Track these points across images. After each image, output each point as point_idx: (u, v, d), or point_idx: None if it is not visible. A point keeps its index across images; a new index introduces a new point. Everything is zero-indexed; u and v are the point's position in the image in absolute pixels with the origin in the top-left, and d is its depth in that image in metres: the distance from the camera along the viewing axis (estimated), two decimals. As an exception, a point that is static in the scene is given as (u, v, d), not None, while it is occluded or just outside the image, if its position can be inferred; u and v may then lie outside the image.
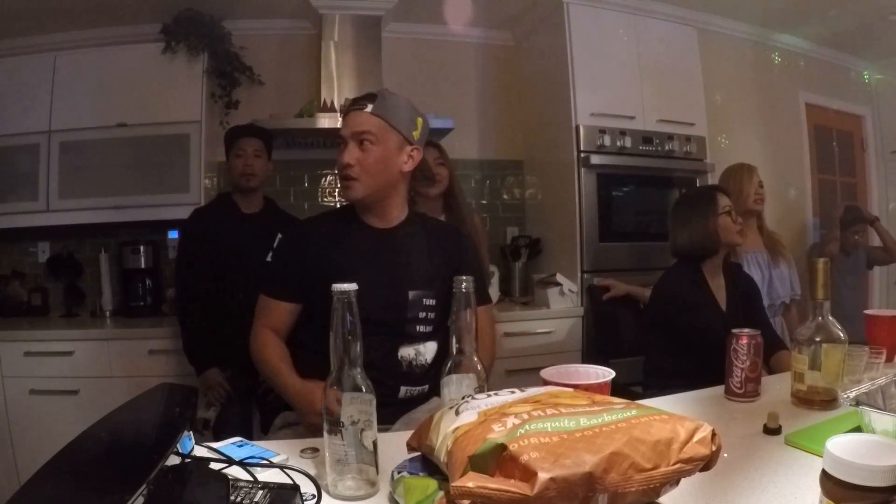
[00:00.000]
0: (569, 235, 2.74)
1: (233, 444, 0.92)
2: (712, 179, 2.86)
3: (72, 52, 2.68)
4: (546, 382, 0.89)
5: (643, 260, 2.75)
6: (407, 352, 1.28)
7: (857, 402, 0.83)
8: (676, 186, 2.88)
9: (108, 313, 2.78)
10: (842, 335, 1.11)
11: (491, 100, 3.27)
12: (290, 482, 0.73)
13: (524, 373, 2.46)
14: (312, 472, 0.80)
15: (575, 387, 0.83)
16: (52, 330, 2.53)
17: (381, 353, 1.24)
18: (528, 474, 0.53)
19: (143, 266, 2.79)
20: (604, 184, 2.72)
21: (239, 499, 0.68)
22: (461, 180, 3.25)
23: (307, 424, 1.21)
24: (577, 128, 2.68)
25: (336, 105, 2.77)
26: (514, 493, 0.52)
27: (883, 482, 0.52)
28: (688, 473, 0.59)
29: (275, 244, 2.06)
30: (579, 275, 2.67)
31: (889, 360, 1.29)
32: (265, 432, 1.44)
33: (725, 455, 0.66)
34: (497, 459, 0.56)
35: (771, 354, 1.68)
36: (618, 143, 2.71)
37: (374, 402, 0.77)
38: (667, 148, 2.81)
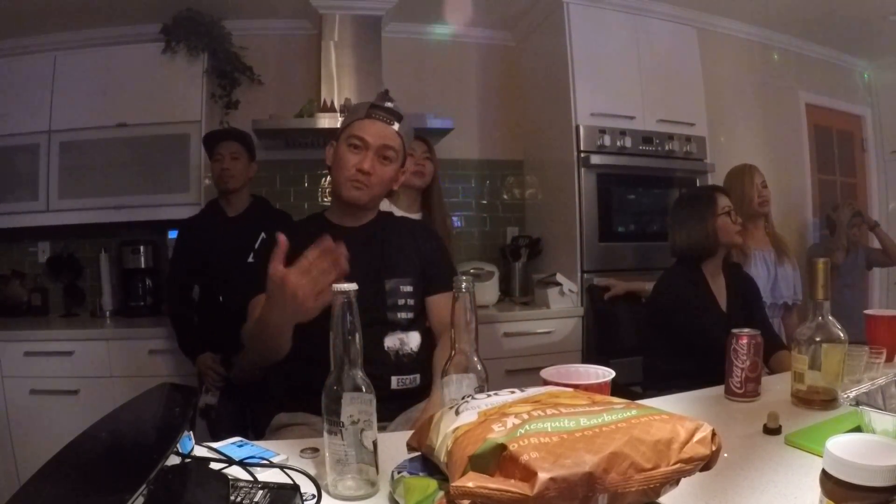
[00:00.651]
0: (569, 235, 2.74)
1: (233, 444, 0.92)
2: (712, 179, 2.86)
3: (72, 52, 2.69)
4: (546, 382, 0.89)
5: (643, 260, 2.76)
6: (392, 341, 1.31)
7: (857, 402, 0.83)
8: (676, 186, 2.88)
9: (108, 313, 2.78)
10: (842, 335, 1.11)
11: (491, 100, 3.27)
12: (290, 482, 0.73)
13: (524, 373, 2.46)
14: (312, 472, 0.80)
15: (575, 387, 0.83)
16: (52, 330, 2.53)
17: (367, 345, 1.24)
18: (528, 474, 0.53)
19: (143, 266, 2.79)
20: (604, 184, 2.72)
21: (239, 499, 0.68)
22: (461, 180, 3.27)
23: (304, 311, 1.05)
24: (577, 128, 2.68)
25: (336, 105, 2.77)
26: (514, 493, 0.52)
27: (883, 482, 0.52)
28: (688, 473, 0.59)
29: (256, 244, 2.09)
30: (579, 275, 2.67)
31: (889, 360, 1.29)
32: (256, 431, 1.44)
33: (725, 455, 0.65)
34: (497, 459, 0.56)
35: (771, 354, 1.68)
36: (618, 143, 2.71)
37: (374, 401, 0.77)
38: (667, 148, 2.81)
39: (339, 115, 2.71)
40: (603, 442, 0.56)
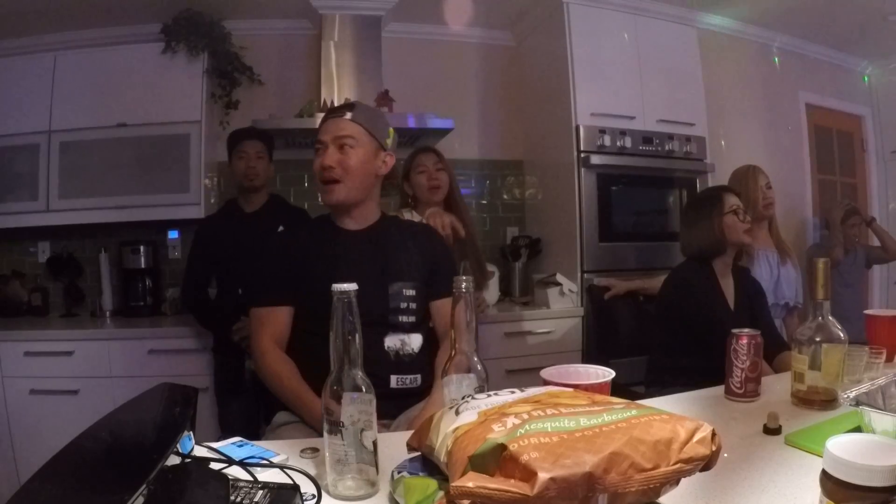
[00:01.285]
0: (569, 235, 2.74)
1: (233, 444, 0.92)
2: (712, 179, 2.86)
3: (72, 52, 2.69)
4: (546, 382, 0.90)
5: (643, 260, 2.76)
6: (392, 341, 1.32)
7: (857, 402, 0.83)
8: (676, 186, 2.88)
9: (108, 313, 2.78)
10: (842, 335, 1.11)
11: (491, 100, 3.27)
12: (290, 482, 0.73)
13: (524, 373, 2.46)
14: (312, 472, 0.80)
15: (575, 387, 0.83)
16: (52, 330, 2.53)
17: (367, 344, 1.25)
18: (528, 474, 0.53)
19: (143, 266, 2.79)
20: (604, 184, 2.72)
21: (239, 499, 0.68)
22: (461, 180, 3.25)
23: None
24: (577, 128, 2.68)
25: (336, 105, 2.77)
26: (514, 493, 0.52)
27: (883, 482, 0.52)
28: (688, 473, 0.59)
29: None
30: (579, 275, 2.67)
31: (889, 360, 1.29)
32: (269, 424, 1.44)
33: (725, 455, 0.65)
34: (497, 459, 0.56)
35: (775, 355, 1.68)
36: (618, 143, 2.71)
37: (374, 401, 0.77)
38: (667, 148, 2.81)
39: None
40: (603, 442, 0.56)
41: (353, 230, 1.39)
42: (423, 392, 1.33)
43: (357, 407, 0.75)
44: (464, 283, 0.88)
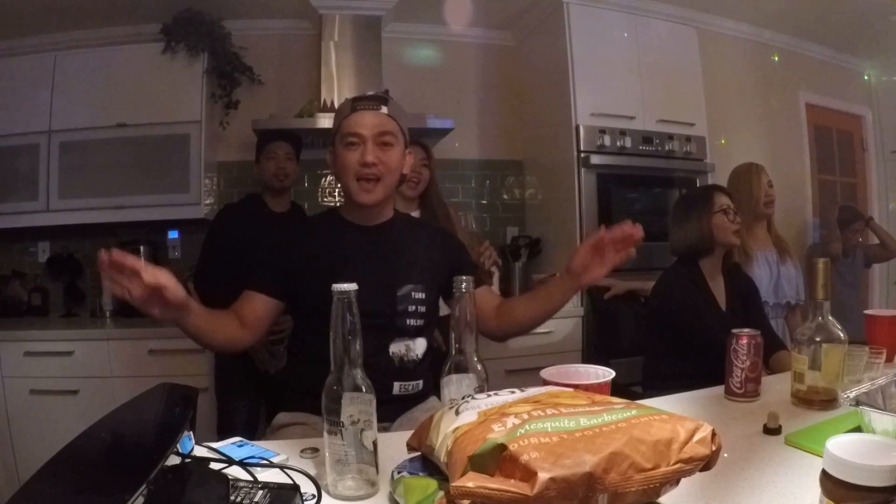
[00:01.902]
0: (569, 235, 2.74)
1: (233, 444, 0.92)
2: (712, 179, 2.86)
3: (72, 52, 2.69)
4: (546, 382, 0.90)
5: (643, 260, 2.73)
6: (398, 347, 1.28)
7: (857, 402, 0.83)
8: (676, 186, 2.88)
9: (108, 313, 2.78)
10: (842, 335, 1.11)
11: (491, 100, 3.27)
12: (290, 482, 0.73)
13: (524, 373, 2.45)
14: (312, 472, 0.80)
15: (575, 387, 0.83)
16: (52, 330, 2.53)
17: (372, 350, 1.24)
18: (528, 474, 0.53)
19: (143, 266, 2.78)
20: (604, 184, 2.72)
21: (239, 499, 0.68)
22: (461, 180, 3.27)
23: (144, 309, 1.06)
24: (577, 128, 2.68)
25: (336, 105, 2.77)
26: (514, 493, 0.52)
27: (883, 482, 0.52)
28: (688, 473, 0.59)
29: None
30: (579, 275, 2.67)
31: (889, 360, 1.29)
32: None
33: (725, 455, 0.66)
34: (497, 459, 0.56)
35: (770, 355, 1.68)
36: (618, 143, 2.71)
37: (374, 402, 0.77)
38: (667, 148, 2.81)
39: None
40: (603, 442, 0.56)
41: (365, 226, 1.32)
42: (423, 396, 1.32)
43: (357, 407, 0.75)
44: (464, 283, 0.88)
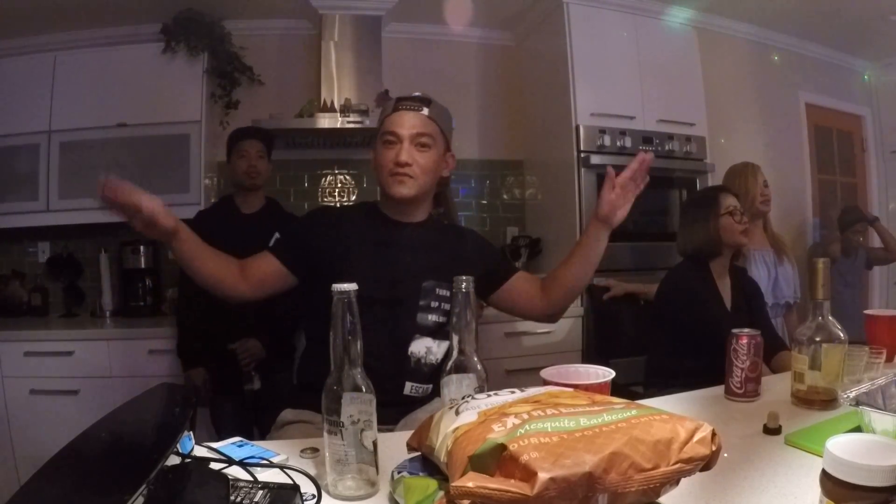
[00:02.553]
0: (569, 235, 2.74)
1: (233, 444, 0.92)
2: (712, 179, 2.86)
3: (72, 52, 2.69)
4: (546, 382, 0.90)
5: (643, 260, 2.75)
6: (418, 347, 1.28)
7: (857, 402, 0.83)
8: (676, 186, 2.88)
9: (108, 313, 2.78)
10: (842, 335, 1.11)
11: (491, 100, 3.27)
12: (290, 482, 0.73)
13: (524, 373, 2.46)
14: (312, 472, 0.80)
15: (575, 387, 0.83)
16: (52, 330, 2.53)
17: (390, 345, 1.25)
18: (528, 474, 0.53)
19: (143, 266, 2.79)
20: (604, 184, 2.71)
21: (239, 499, 0.68)
22: (461, 180, 3.27)
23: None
24: (577, 128, 2.68)
25: (336, 105, 2.77)
26: (514, 493, 0.52)
27: (883, 482, 0.52)
28: (688, 473, 0.59)
29: (271, 243, 2.11)
30: (579, 275, 2.67)
31: (889, 360, 1.29)
32: (261, 430, 1.43)
33: (725, 455, 0.65)
34: (497, 459, 0.56)
35: (772, 355, 1.68)
36: (618, 143, 2.71)
37: (374, 401, 0.77)
38: (667, 148, 2.81)
39: (339, 115, 2.71)
40: (603, 442, 0.56)
41: (402, 221, 1.34)
42: (427, 400, 1.32)
43: (357, 407, 0.75)
44: (464, 283, 0.88)
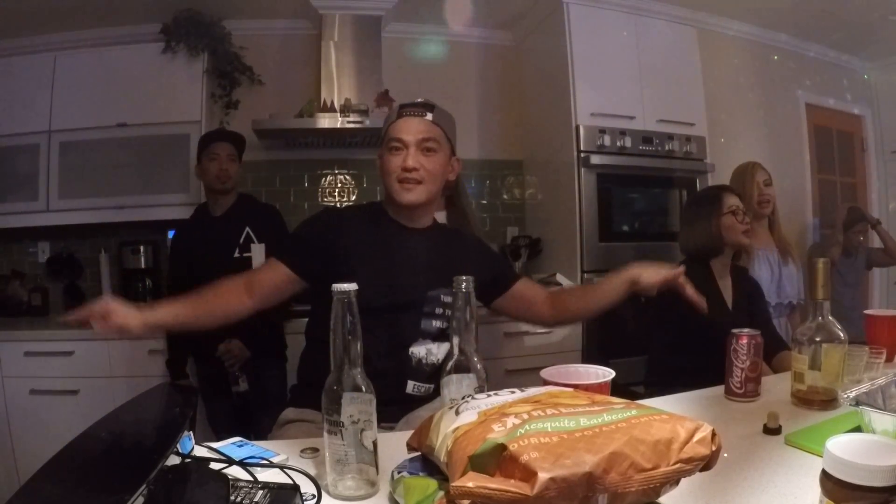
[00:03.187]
0: (569, 235, 2.74)
1: (233, 444, 0.92)
2: (712, 179, 2.86)
3: (72, 52, 2.69)
4: (546, 382, 0.90)
5: (643, 260, 2.74)
6: (418, 349, 1.29)
7: (857, 402, 0.83)
8: (676, 186, 2.88)
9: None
10: (842, 335, 1.11)
11: (491, 100, 3.27)
12: (290, 482, 0.73)
13: (524, 373, 2.45)
14: (312, 472, 0.80)
15: (575, 387, 0.83)
16: (52, 330, 2.52)
17: (392, 345, 1.26)
18: (528, 474, 0.53)
19: (143, 266, 2.79)
20: (604, 184, 2.72)
21: (239, 499, 0.68)
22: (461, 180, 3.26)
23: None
24: (577, 128, 2.68)
25: (336, 105, 2.77)
26: (514, 493, 0.52)
27: (883, 482, 0.52)
28: (688, 473, 0.59)
29: (241, 239, 2.14)
30: (579, 275, 2.67)
31: (889, 360, 1.29)
32: (255, 431, 1.43)
33: (725, 455, 0.65)
34: (497, 459, 0.56)
35: (773, 355, 1.68)
36: (618, 143, 2.71)
37: (374, 401, 0.77)
38: (667, 148, 2.81)
39: (339, 114, 2.71)
40: (603, 442, 0.56)
41: (406, 226, 1.35)
42: (429, 399, 1.32)
43: (357, 407, 0.75)
44: (464, 283, 0.88)
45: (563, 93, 2.73)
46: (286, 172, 3.07)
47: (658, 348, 1.91)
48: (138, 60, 2.68)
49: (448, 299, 1.31)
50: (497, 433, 0.58)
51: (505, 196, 3.34)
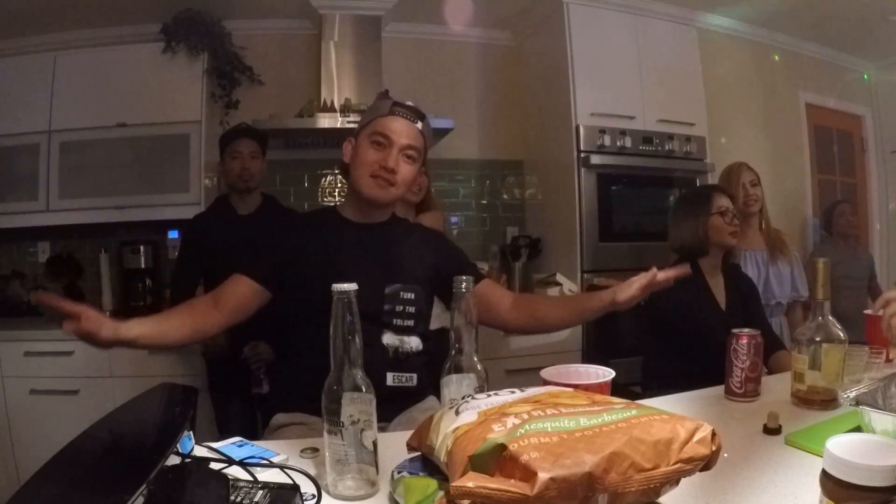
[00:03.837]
0: (569, 235, 2.74)
1: (233, 444, 0.92)
2: (712, 179, 2.86)
3: (72, 52, 2.68)
4: (546, 382, 0.90)
5: (643, 260, 2.74)
6: (390, 339, 1.28)
7: (857, 402, 0.83)
8: (676, 186, 2.88)
9: (108, 313, 2.78)
10: (842, 335, 1.11)
11: (491, 100, 3.27)
12: (290, 482, 0.73)
13: (524, 373, 2.45)
14: (312, 472, 0.80)
15: (575, 387, 0.83)
16: (52, 330, 2.52)
17: (364, 340, 1.25)
18: (528, 474, 0.53)
19: (143, 266, 2.78)
20: (604, 184, 2.72)
21: (239, 499, 0.68)
22: (461, 180, 3.27)
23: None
24: (577, 128, 2.68)
25: (336, 105, 2.77)
26: (514, 493, 0.52)
27: (883, 482, 0.52)
28: (688, 473, 0.59)
29: None
30: (579, 275, 2.67)
31: (889, 360, 1.29)
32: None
33: (725, 455, 0.66)
34: (497, 459, 0.56)
35: (769, 355, 1.68)
36: (618, 143, 2.71)
37: (374, 401, 0.77)
38: (667, 148, 2.81)
39: (339, 114, 2.71)
40: (603, 442, 0.56)
41: (360, 223, 1.34)
42: (419, 392, 1.32)
43: (357, 407, 0.75)
44: (464, 283, 0.88)
45: (563, 93, 2.73)
46: (286, 172, 3.07)
47: (653, 352, 1.91)
48: (138, 60, 2.68)
49: (409, 295, 1.30)
50: (497, 433, 0.58)
51: (505, 196, 3.34)
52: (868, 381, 0.92)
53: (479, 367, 0.89)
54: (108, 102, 2.64)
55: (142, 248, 2.78)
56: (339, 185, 3.15)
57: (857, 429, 0.85)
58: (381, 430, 1.18)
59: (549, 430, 0.57)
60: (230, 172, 2.19)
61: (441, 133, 2.83)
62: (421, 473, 0.71)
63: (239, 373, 2.11)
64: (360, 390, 0.76)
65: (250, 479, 0.73)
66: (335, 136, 2.88)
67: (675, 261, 1.92)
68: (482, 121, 3.26)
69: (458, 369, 0.88)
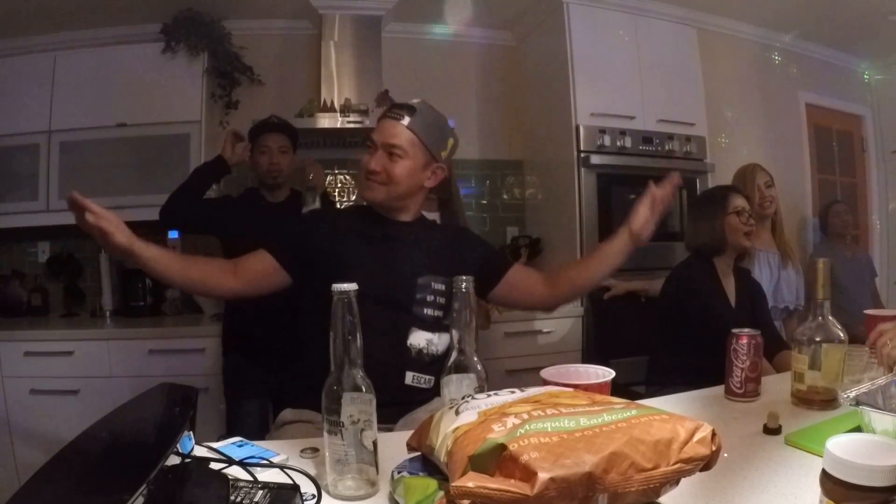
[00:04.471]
0: (569, 235, 2.74)
1: (233, 444, 0.92)
2: (712, 179, 2.87)
3: (72, 52, 2.69)
4: (546, 382, 0.90)
5: (643, 260, 2.73)
6: (417, 339, 1.29)
7: (857, 402, 0.83)
8: (676, 186, 2.88)
9: (108, 313, 2.78)
10: (842, 335, 1.11)
11: (491, 100, 3.27)
12: (290, 482, 0.73)
13: (524, 373, 2.45)
14: (312, 472, 0.80)
15: (575, 387, 0.83)
16: (52, 330, 2.53)
17: (389, 338, 1.26)
18: (528, 474, 0.53)
19: (143, 266, 2.78)
20: (604, 184, 2.72)
21: (239, 499, 0.68)
22: (461, 180, 3.25)
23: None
24: (577, 128, 2.68)
25: (336, 105, 2.77)
26: (514, 493, 0.52)
27: (883, 482, 0.52)
28: (688, 473, 0.59)
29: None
30: (579, 275, 2.67)
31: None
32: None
33: (725, 455, 0.66)
34: (497, 459, 0.56)
35: (774, 354, 1.69)
36: (618, 143, 2.71)
37: (374, 401, 0.77)
38: (667, 148, 2.81)
39: (339, 115, 2.71)
40: (603, 442, 0.56)
41: (392, 220, 1.37)
42: (427, 395, 1.32)
43: (357, 407, 0.75)
44: (464, 283, 0.88)
45: (563, 93, 2.73)
46: (286, 172, 3.07)
47: (660, 347, 1.92)
48: (138, 60, 2.68)
49: (439, 286, 1.32)
50: (497, 433, 0.58)
51: (505, 196, 3.34)
52: (868, 381, 0.92)
53: (479, 367, 0.89)
54: (107, 102, 2.64)
55: (142, 247, 2.77)
56: (339, 185, 3.15)
57: (857, 429, 0.85)
58: (388, 430, 1.18)
59: (549, 430, 0.57)
60: (258, 168, 2.15)
61: (441, 133, 2.83)
62: (421, 473, 0.71)
63: (256, 371, 2.09)
64: (360, 390, 0.76)
65: (250, 479, 0.73)
66: (335, 136, 2.88)
67: (686, 259, 1.94)
68: (482, 121, 3.26)
69: (458, 369, 0.88)
